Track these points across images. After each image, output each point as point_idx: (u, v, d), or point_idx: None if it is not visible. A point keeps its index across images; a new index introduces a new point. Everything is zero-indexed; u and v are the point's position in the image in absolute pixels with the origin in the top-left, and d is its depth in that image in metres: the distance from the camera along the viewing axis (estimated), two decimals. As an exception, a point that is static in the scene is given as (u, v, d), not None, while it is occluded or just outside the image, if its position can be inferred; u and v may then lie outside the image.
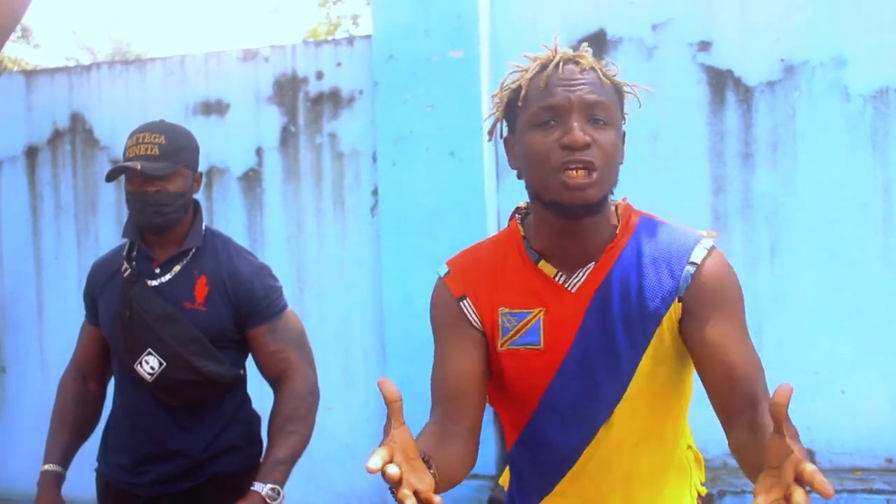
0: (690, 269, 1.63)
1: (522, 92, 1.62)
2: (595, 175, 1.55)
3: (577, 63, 1.61)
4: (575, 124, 1.55)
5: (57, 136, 5.25)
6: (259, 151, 4.88)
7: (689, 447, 1.87)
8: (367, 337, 4.68)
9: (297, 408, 2.51)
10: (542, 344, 1.67)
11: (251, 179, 4.89)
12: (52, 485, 2.54)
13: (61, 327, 5.09)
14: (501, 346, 1.70)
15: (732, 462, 4.21)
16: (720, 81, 4.25)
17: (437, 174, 4.36)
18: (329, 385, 4.49)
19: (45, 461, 2.58)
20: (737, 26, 4.23)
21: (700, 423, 2.04)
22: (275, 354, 2.56)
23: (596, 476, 1.72)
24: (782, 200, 4.18)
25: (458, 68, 4.34)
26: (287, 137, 4.84)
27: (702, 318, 1.61)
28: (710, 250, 1.65)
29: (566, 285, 1.67)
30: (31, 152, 5.30)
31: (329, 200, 4.76)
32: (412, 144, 4.40)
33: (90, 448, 2.72)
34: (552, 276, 1.68)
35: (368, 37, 4.67)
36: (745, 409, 1.53)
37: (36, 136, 5.29)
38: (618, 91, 1.66)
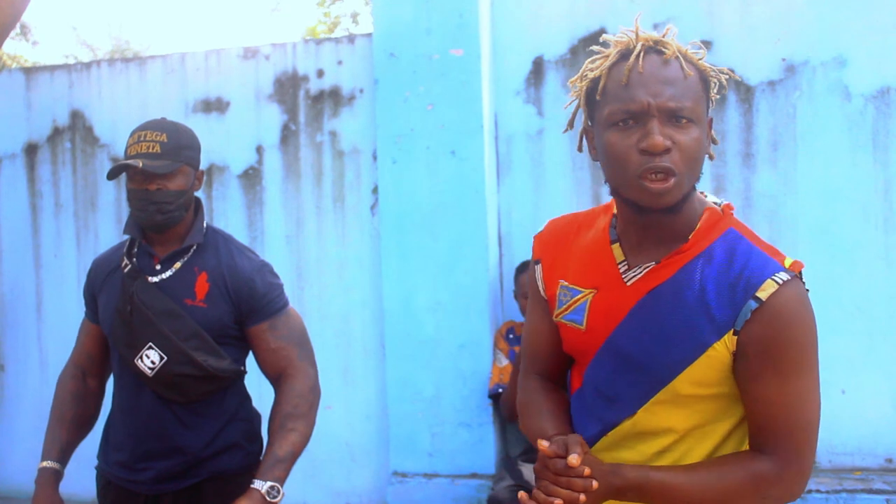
0: (753, 303, 1.52)
1: (601, 83, 1.58)
2: (673, 180, 1.50)
3: (659, 53, 1.55)
4: (655, 128, 1.50)
5: (57, 133, 5.25)
6: (259, 149, 4.88)
7: None
8: (367, 335, 4.68)
9: (298, 406, 2.50)
10: (584, 325, 1.68)
11: (251, 177, 4.89)
12: (49, 482, 2.53)
13: (60, 325, 5.09)
14: (556, 317, 1.75)
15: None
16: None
17: (438, 173, 4.36)
18: (329, 384, 4.49)
19: (43, 458, 2.57)
20: (738, 26, 4.23)
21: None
22: (275, 352, 2.55)
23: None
24: (783, 200, 4.17)
25: (458, 67, 4.34)
26: (287, 135, 4.83)
27: (749, 363, 1.54)
28: (783, 286, 1.52)
29: (624, 276, 1.64)
30: (31, 150, 5.29)
31: (329, 199, 4.76)
32: (413, 143, 4.40)
33: (90, 447, 2.72)
34: (617, 262, 1.66)
35: (369, 35, 4.67)
36: (766, 450, 1.57)
37: (36, 133, 5.29)
38: (703, 79, 1.60)
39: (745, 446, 1.66)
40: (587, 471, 1.50)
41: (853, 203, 4.10)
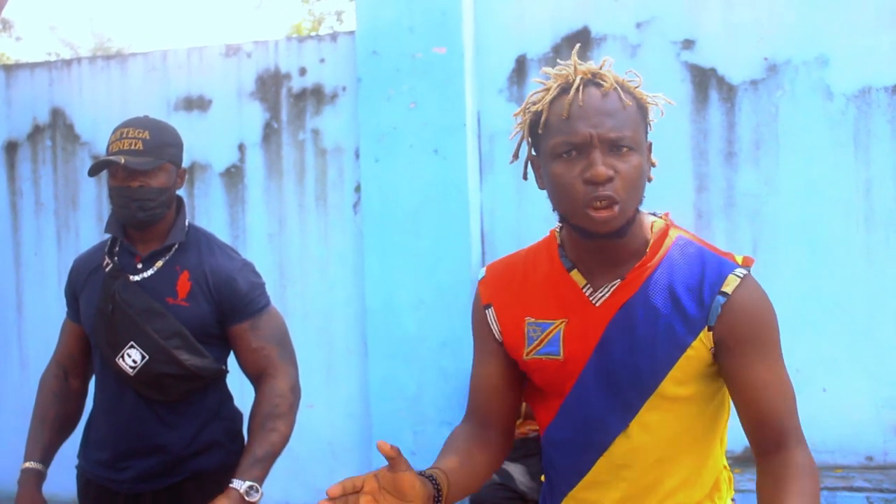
0: (721, 298, 1.62)
1: (543, 117, 1.63)
2: (617, 208, 1.57)
3: (597, 85, 1.61)
4: (597, 158, 1.56)
5: (37, 131, 5.22)
6: (241, 147, 4.87)
7: (725, 468, 1.85)
8: (350, 334, 4.67)
9: (278, 405, 2.50)
10: (561, 355, 1.70)
11: (233, 175, 4.87)
12: (32, 483, 2.52)
13: (41, 323, 5.07)
14: (527, 356, 1.74)
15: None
16: (704, 80, 4.26)
17: (421, 171, 4.36)
18: (311, 382, 4.47)
19: (26, 459, 2.55)
20: (721, 25, 4.25)
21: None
22: (256, 352, 2.55)
23: (611, 486, 1.72)
24: (765, 199, 4.20)
25: (441, 65, 4.34)
26: (270, 133, 4.82)
27: (734, 355, 1.63)
28: (743, 279, 1.64)
29: (591, 298, 1.69)
30: (11, 147, 5.26)
31: (312, 197, 4.75)
32: (395, 141, 4.40)
33: (70, 446, 2.71)
34: (580, 287, 1.70)
35: (352, 33, 4.66)
36: (772, 446, 1.63)
37: (16, 131, 5.26)
38: (640, 107, 1.66)
39: (724, 447, 1.77)
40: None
41: (835, 202, 4.13)
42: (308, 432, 4.56)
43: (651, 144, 1.68)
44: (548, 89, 1.66)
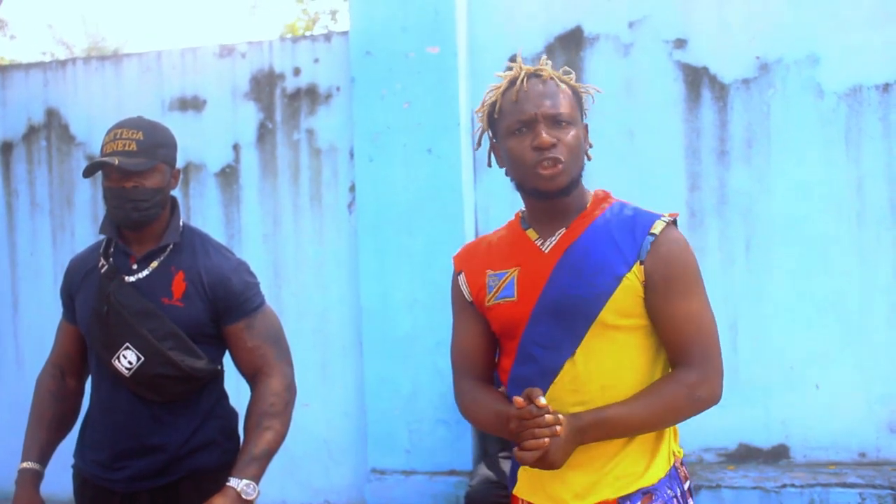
0: (650, 238, 1.94)
1: (497, 105, 2.00)
2: (561, 166, 1.92)
3: (538, 76, 1.98)
4: (542, 130, 1.92)
5: (32, 131, 5.22)
6: (236, 147, 4.88)
7: None
8: (345, 333, 4.69)
9: (274, 404, 2.51)
10: (515, 296, 2.00)
11: (228, 176, 4.88)
12: (30, 483, 2.53)
13: (37, 324, 5.07)
14: (488, 303, 2.05)
15: (707, 457, 4.25)
16: (696, 79, 4.28)
17: (415, 170, 4.38)
18: (307, 381, 4.49)
19: (23, 459, 2.57)
20: (713, 24, 4.26)
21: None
22: (251, 351, 2.56)
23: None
24: (757, 197, 4.22)
25: (435, 64, 4.35)
26: (264, 134, 4.83)
27: (658, 290, 1.93)
28: (669, 225, 1.98)
29: (541, 247, 2.01)
30: (6, 148, 5.27)
31: (306, 197, 4.77)
32: (389, 141, 4.41)
33: (67, 446, 2.72)
34: (532, 240, 2.03)
35: (345, 33, 4.67)
36: (678, 363, 1.96)
37: (10, 131, 5.26)
38: (575, 94, 2.02)
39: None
40: (551, 410, 1.81)
41: (826, 199, 4.15)
42: (304, 431, 4.57)
43: (587, 126, 2.04)
44: (499, 86, 2.02)
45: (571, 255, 1.96)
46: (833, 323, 4.14)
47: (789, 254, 4.17)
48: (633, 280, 1.92)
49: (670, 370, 2.00)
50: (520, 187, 2.01)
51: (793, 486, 3.91)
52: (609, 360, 1.94)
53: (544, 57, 2.08)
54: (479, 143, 2.19)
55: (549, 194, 1.94)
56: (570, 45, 4.41)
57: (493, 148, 2.09)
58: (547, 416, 1.79)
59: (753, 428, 4.23)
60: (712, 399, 1.95)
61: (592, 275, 1.93)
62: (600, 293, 1.92)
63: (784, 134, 4.18)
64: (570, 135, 1.94)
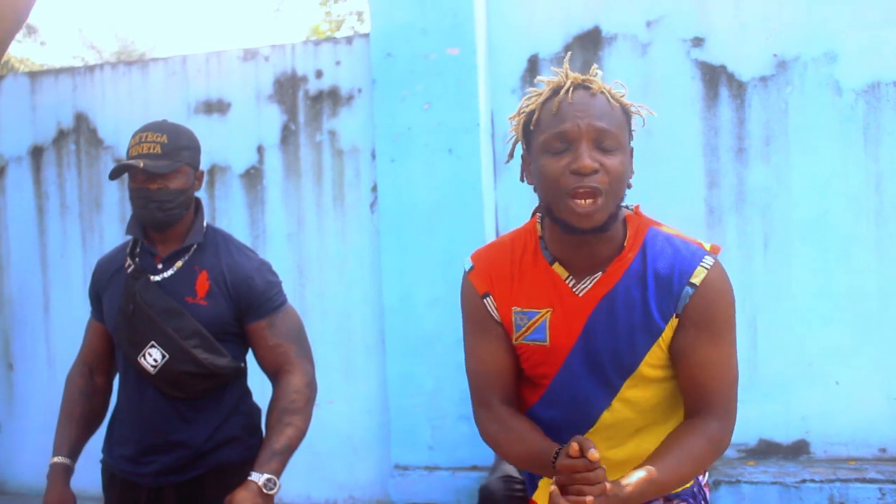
0: (689, 289, 1.78)
1: (535, 115, 1.77)
2: (601, 200, 1.69)
3: (586, 88, 1.75)
4: (584, 151, 1.68)
5: (61, 136, 5.31)
6: (260, 149, 4.94)
7: None
8: (368, 331, 4.73)
9: (295, 400, 2.56)
10: (548, 341, 1.85)
11: (252, 177, 4.95)
12: (61, 477, 2.60)
13: (67, 324, 5.16)
14: (515, 341, 1.89)
15: (727, 453, 4.27)
16: (713, 77, 4.30)
17: (435, 171, 4.41)
18: (330, 379, 4.58)
19: (54, 454, 2.64)
20: (730, 22, 4.27)
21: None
22: (273, 349, 2.62)
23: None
24: (776, 194, 4.22)
25: (455, 65, 4.39)
26: (287, 135, 4.89)
27: (686, 332, 1.80)
28: (711, 269, 1.80)
29: (574, 289, 1.83)
30: (37, 152, 5.36)
31: (329, 197, 4.82)
32: (410, 141, 4.45)
33: (96, 442, 2.78)
34: (563, 279, 1.84)
35: (367, 35, 4.72)
36: (696, 413, 1.83)
37: (41, 136, 5.36)
38: (625, 112, 1.79)
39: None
40: (601, 466, 1.66)
41: (845, 197, 4.14)
42: (328, 428, 4.64)
43: (633, 150, 1.81)
44: (540, 93, 1.81)
45: (609, 305, 1.81)
46: (852, 319, 4.14)
47: (808, 250, 4.18)
48: (667, 333, 1.81)
49: (686, 413, 1.88)
50: (548, 212, 1.78)
51: (812, 481, 3.92)
52: (645, 404, 1.87)
53: (595, 66, 1.87)
54: (511, 155, 1.96)
55: (582, 230, 1.73)
56: (589, 45, 4.44)
57: (524, 162, 1.88)
58: (598, 471, 1.64)
59: (773, 424, 4.24)
60: (726, 448, 1.85)
61: (630, 330, 1.80)
62: (639, 349, 1.81)
63: (802, 131, 4.19)
64: (617, 160, 1.71)
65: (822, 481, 3.91)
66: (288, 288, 2.74)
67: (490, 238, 4.43)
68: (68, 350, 3.22)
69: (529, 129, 1.80)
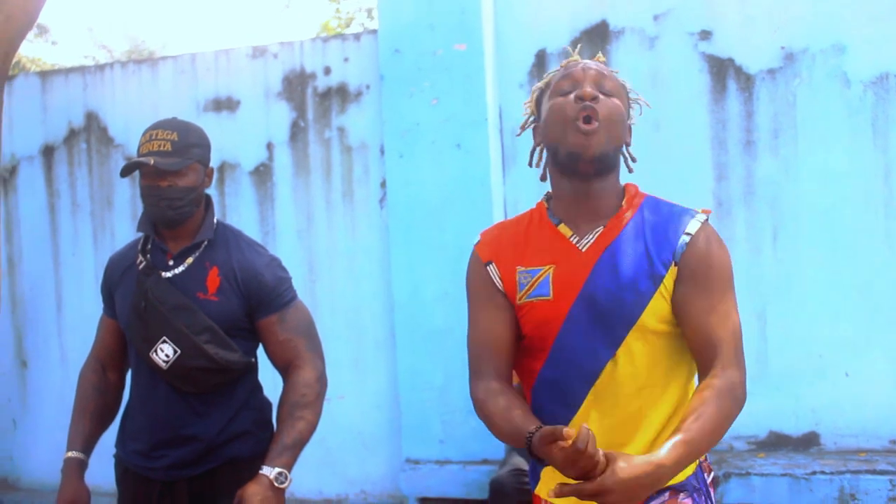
0: (686, 238, 1.89)
1: (546, 82, 2.00)
2: (597, 124, 1.84)
3: (591, 60, 1.99)
4: (587, 84, 1.89)
5: (72, 135, 5.34)
6: (269, 146, 4.96)
7: None
8: (378, 326, 4.75)
9: (305, 395, 2.58)
10: (551, 295, 1.91)
11: (262, 174, 4.97)
12: (75, 471, 2.63)
13: (80, 321, 5.19)
14: (520, 300, 1.94)
15: (738, 445, 4.28)
16: (721, 70, 4.30)
17: (444, 166, 4.43)
18: (341, 374, 4.59)
19: (68, 449, 2.67)
20: (737, 15, 4.27)
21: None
22: (284, 344, 2.64)
23: (602, 416, 1.90)
24: (784, 186, 4.22)
25: (462, 61, 4.40)
26: (296, 132, 4.91)
27: (686, 284, 1.88)
28: (704, 223, 1.94)
29: (578, 245, 1.93)
30: (48, 151, 5.40)
31: (338, 193, 4.84)
32: (418, 137, 4.47)
33: (109, 438, 2.81)
34: (567, 237, 1.94)
35: (374, 32, 4.74)
36: (709, 367, 1.84)
37: (52, 135, 5.39)
38: (624, 89, 1.98)
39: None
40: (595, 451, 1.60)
41: (854, 188, 4.14)
42: (339, 423, 4.66)
43: (630, 127, 1.99)
44: (552, 73, 2.02)
45: (611, 257, 1.89)
46: (861, 311, 4.14)
47: (817, 243, 4.17)
48: (669, 281, 1.87)
49: (700, 371, 1.87)
50: (554, 159, 1.93)
51: (822, 473, 3.92)
52: (647, 360, 1.89)
53: (600, 54, 2.10)
54: (523, 128, 2.12)
55: (583, 160, 1.85)
56: (596, 38, 4.44)
57: (534, 130, 2.05)
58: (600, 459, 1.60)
59: (783, 416, 4.24)
60: (745, 400, 1.84)
61: (633, 279, 1.86)
62: (641, 296, 1.86)
63: (810, 123, 4.19)
64: (614, 104, 1.89)
65: (832, 473, 3.91)
66: (298, 284, 2.76)
67: (499, 233, 4.43)
68: (81, 347, 3.24)
69: (542, 101, 1.99)
